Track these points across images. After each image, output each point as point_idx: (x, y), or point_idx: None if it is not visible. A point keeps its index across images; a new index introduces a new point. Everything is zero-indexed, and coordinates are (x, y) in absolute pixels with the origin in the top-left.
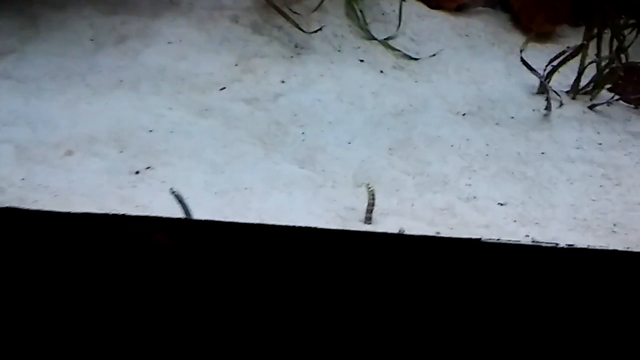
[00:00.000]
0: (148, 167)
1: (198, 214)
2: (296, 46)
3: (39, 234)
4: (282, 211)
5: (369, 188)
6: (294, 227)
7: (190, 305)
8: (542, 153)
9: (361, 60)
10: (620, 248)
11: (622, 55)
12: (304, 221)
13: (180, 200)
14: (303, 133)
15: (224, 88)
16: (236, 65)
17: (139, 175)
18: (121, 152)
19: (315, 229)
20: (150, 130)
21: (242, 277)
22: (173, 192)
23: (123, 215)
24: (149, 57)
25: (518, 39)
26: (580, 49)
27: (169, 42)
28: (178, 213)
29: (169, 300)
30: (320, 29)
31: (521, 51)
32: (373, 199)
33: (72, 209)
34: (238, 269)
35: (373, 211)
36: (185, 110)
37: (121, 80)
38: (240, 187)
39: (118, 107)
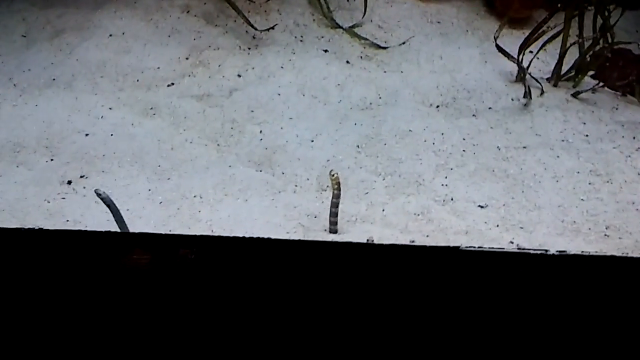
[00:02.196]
0: (82, 176)
1: (138, 227)
2: (254, 37)
3: None
4: (236, 221)
5: (333, 175)
6: (249, 238)
7: (138, 327)
8: (524, 147)
9: (325, 51)
10: (615, 254)
11: (608, 35)
12: (261, 231)
13: (108, 203)
14: (261, 131)
15: (172, 84)
16: (187, 58)
17: (70, 185)
18: (52, 159)
19: (273, 240)
20: (87, 134)
21: (190, 297)
22: (99, 195)
23: (41, 229)
24: (86, 52)
25: (493, 25)
26: (547, 20)
27: (110, 35)
28: (113, 225)
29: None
30: (273, 27)
31: (495, 38)
32: (339, 189)
33: None
34: (182, 289)
35: (339, 206)
36: (127, 109)
37: (54, 79)
38: (189, 195)
39: (49, 109)
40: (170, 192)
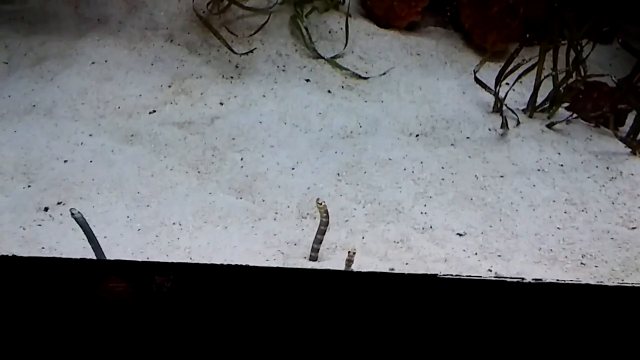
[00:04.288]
0: (59, 203)
1: (115, 255)
2: (237, 66)
3: None
4: (215, 248)
5: (320, 204)
6: (227, 266)
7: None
8: (501, 176)
9: (307, 80)
10: (591, 282)
11: (580, 68)
12: (240, 259)
13: (81, 224)
14: (242, 159)
15: (154, 111)
16: (169, 86)
17: (47, 212)
18: (29, 186)
19: (252, 267)
20: (65, 161)
21: (167, 325)
22: (73, 214)
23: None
24: (68, 79)
25: (471, 57)
26: (519, 52)
27: (93, 63)
28: (90, 252)
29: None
30: (251, 51)
31: (475, 72)
32: (327, 217)
33: None
34: (158, 317)
35: (325, 233)
36: (107, 136)
37: (34, 105)
38: (168, 223)
39: (28, 135)
40: (149, 219)
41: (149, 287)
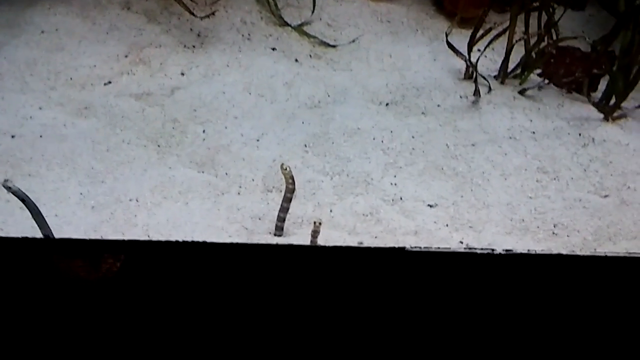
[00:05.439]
0: (6, 180)
1: (67, 234)
2: (199, 35)
3: None
4: (175, 225)
5: (285, 169)
6: (184, 242)
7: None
8: (473, 145)
9: (273, 49)
10: (563, 252)
11: (552, 31)
12: (202, 236)
13: (22, 197)
14: (204, 131)
15: (109, 82)
16: (126, 56)
17: None
18: None
19: (212, 244)
20: (13, 136)
21: (121, 306)
22: (9, 188)
23: None
24: (15, 50)
25: (442, 24)
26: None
27: (43, 32)
28: (39, 233)
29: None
30: (213, 13)
31: (447, 34)
32: (293, 183)
33: None
34: (112, 297)
35: (291, 201)
36: (59, 109)
37: None
38: (124, 199)
39: None
40: (103, 196)
41: (98, 267)
